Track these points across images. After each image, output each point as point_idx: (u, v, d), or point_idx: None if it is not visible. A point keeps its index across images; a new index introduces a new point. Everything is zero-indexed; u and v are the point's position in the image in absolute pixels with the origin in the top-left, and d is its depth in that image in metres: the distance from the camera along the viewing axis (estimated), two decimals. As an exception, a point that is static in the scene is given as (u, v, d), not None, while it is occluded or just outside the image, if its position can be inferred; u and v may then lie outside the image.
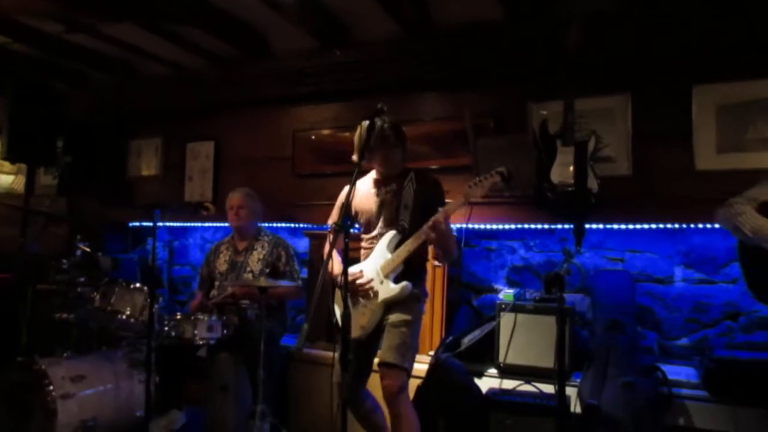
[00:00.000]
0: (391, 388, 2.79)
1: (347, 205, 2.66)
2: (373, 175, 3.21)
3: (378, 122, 2.83)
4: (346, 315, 2.44)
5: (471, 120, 3.97)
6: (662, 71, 3.61)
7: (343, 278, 2.47)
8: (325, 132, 4.71)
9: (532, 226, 4.09)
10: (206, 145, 5.27)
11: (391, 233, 2.99)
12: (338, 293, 2.95)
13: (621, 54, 3.67)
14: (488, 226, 4.20)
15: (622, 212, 3.67)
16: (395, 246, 2.97)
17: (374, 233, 3.09)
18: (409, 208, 3.00)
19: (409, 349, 2.88)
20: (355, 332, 2.84)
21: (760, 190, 2.70)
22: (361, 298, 2.97)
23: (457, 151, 4.12)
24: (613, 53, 3.67)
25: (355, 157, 3.04)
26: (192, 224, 5.62)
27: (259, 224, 4.27)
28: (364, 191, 3.17)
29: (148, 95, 5.40)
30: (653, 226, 3.72)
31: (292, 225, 4.94)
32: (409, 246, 2.90)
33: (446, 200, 3.03)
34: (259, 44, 4.58)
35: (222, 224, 5.32)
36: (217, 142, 5.24)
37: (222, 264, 4.16)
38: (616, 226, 3.83)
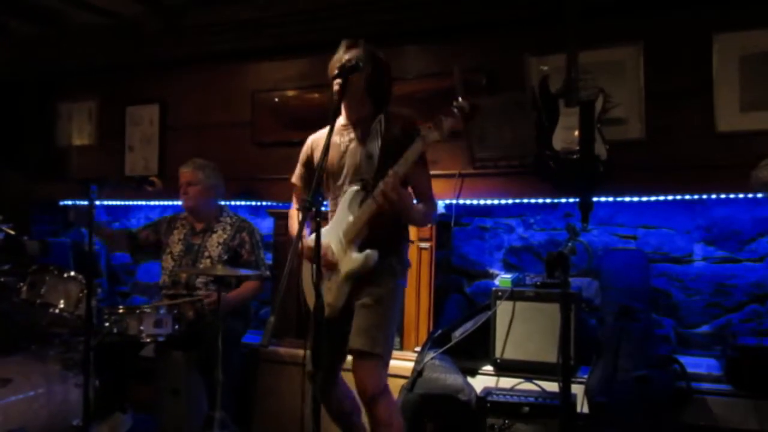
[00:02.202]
0: (366, 386, 2.70)
1: (318, 176, 2.45)
2: (341, 120, 3.01)
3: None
4: (317, 285, 2.34)
5: (461, 77, 3.92)
6: (679, 18, 3.61)
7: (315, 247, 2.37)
8: (290, 93, 4.67)
9: (532, 200, 4.11)
10: (149, 108, 5.22)
11: (353, 189, 2.83)
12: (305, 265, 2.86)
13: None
14: (482, 202, 4.20)
15: (635, 182, 3.69)
16: (359, 205, 2.80)
17: (339, 192, 2.93)
18: (374, 157, 2.83)
19: (381, 330, 2.76)
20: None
21: None
22: (325, 272, 2.78)
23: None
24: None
25: None
26: (135, 202, 5.58)
27: (218, 202, 4.21)
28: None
29: (79, 50, 5.31)
30: (670, 197, 3.76)
31: (254, 203, 4.92)
32: (369, 207, 2.74)
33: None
34: (211, -12, 4.53)
35: (171, 202, 5.29)
36: (163, 106, 5.19)
37: (176, 243, 4.11)
38: (627, 199, 3.86)
